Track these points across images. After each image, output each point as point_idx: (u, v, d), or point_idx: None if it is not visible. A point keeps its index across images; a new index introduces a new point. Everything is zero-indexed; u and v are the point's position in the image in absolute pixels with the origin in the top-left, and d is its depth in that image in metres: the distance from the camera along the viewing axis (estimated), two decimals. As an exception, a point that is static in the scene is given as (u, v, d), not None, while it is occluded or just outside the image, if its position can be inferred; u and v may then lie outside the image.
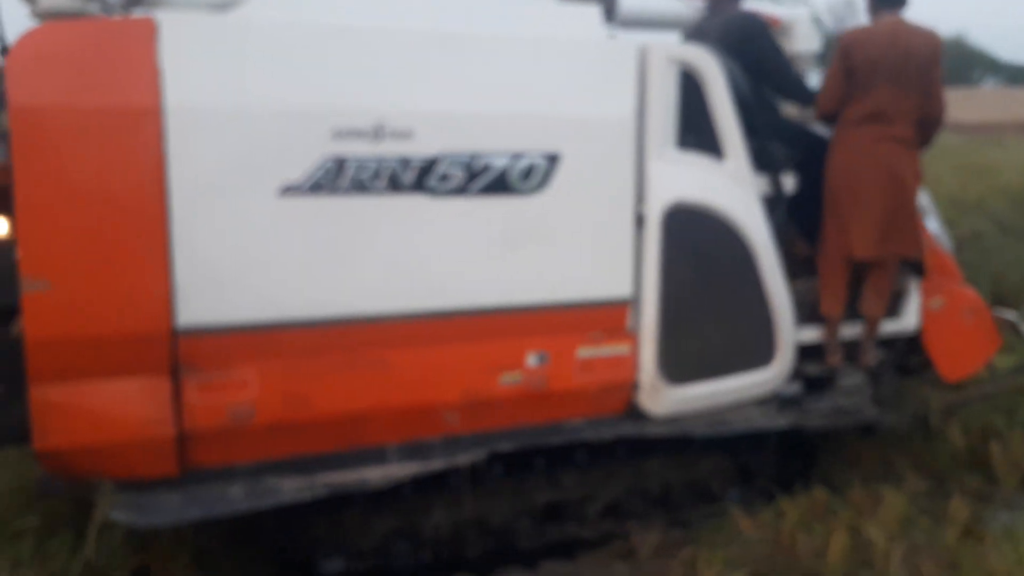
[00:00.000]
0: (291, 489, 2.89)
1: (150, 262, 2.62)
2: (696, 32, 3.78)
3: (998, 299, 6.27)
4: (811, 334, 3.72)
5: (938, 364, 4.01)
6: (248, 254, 2.73)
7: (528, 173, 3.03)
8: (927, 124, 3.61)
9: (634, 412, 3.44)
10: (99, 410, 2.65)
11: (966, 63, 48.08)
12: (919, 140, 3.62)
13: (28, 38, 2.48)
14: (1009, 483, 3.97)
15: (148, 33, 2.57)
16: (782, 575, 3.20)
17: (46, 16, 2.72)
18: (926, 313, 3.94)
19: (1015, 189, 9.95)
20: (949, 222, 7.30)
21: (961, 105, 31.88)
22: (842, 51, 3.61)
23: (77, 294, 2.55)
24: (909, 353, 4.06)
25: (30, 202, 2.49)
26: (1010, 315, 4.39)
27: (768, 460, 3.92)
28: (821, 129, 3.89)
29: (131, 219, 2.59)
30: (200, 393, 2.74)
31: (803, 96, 3.79)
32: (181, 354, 2.70)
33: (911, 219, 3.65)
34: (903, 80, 3.51)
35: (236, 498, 2.82)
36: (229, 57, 2.66)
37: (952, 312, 4.00)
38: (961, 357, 4.05)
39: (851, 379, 3.85)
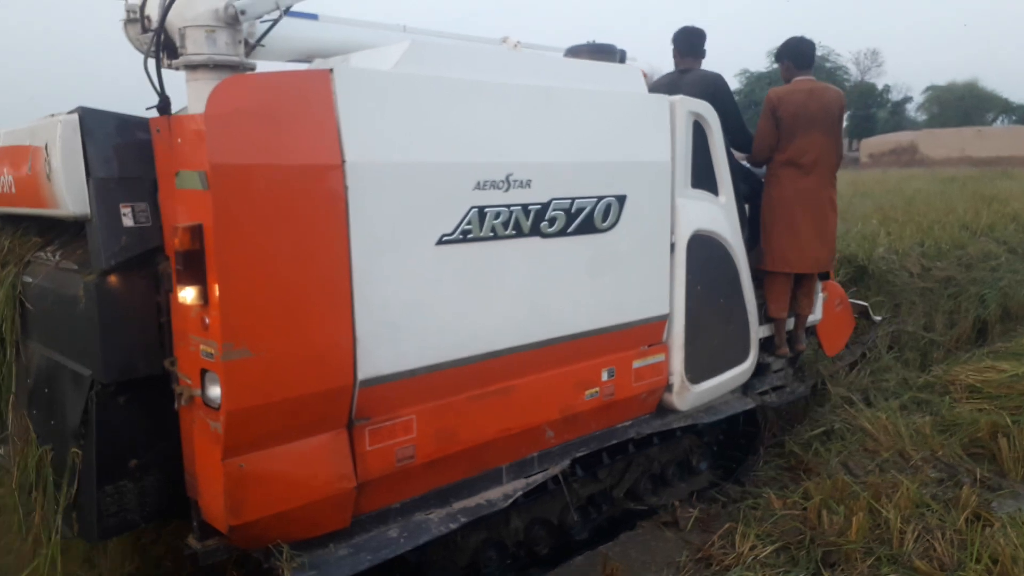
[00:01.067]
0: (438, 522, 3.03)
1: (338, 318, 2.59)
2: (670, 87, 4.42)
3: (1006, 313, 7.56)
4: (763, 331, 4.62)
5: (823, 343, 5.18)
6: (412, 303, 2.80)
7: (607, 213, 3.45)
8: (837, 160, 4.66)
9: (661, 410, 4.03)
10: (291, 474, 2.57)
11: (980, 105, 50.57)
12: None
13: (222, 92, 2.31)
14: (1016, 474, 4.39)
15: (327, 86, 2.53)
16: (808, 549, 3.59)
17: (193, 68, 2.51)
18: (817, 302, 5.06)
19: (1022, 216, 10.83)
20: (962, 245, 8.65)
21: (974, 142, 35.61)
22: (770, 107, 4.51)
23: (276, 358, 2.46)
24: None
25: (229, 266, 2.34)
26: (862, 303, 5.75)
27: (721, 436, 4.75)
28: (756, 170, 4.80)
29: (322, 276, 2.55)
30: (372, 442, 2.77)
31: (747, 143, 4.63)
32: (358, 406, 2.71)
33: (830, 241, 4.69)
34: (821, 127, 4.50)
35: (396, 540, 2.89)
36: (393, 111, 2.70)
37: (830, 302, 5.19)
38: (836, 336, 5.27)
39: (776, 364, 4.84)
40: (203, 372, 2.45)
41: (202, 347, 2.42)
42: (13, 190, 2.85)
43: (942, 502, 3.92)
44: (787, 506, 3.92)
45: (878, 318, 5.86)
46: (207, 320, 2.38)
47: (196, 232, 2.33)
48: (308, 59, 3.28)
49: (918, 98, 54.85)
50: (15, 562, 2.96)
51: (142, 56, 2.53)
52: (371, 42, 3.52)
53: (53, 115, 2.63)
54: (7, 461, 3.35)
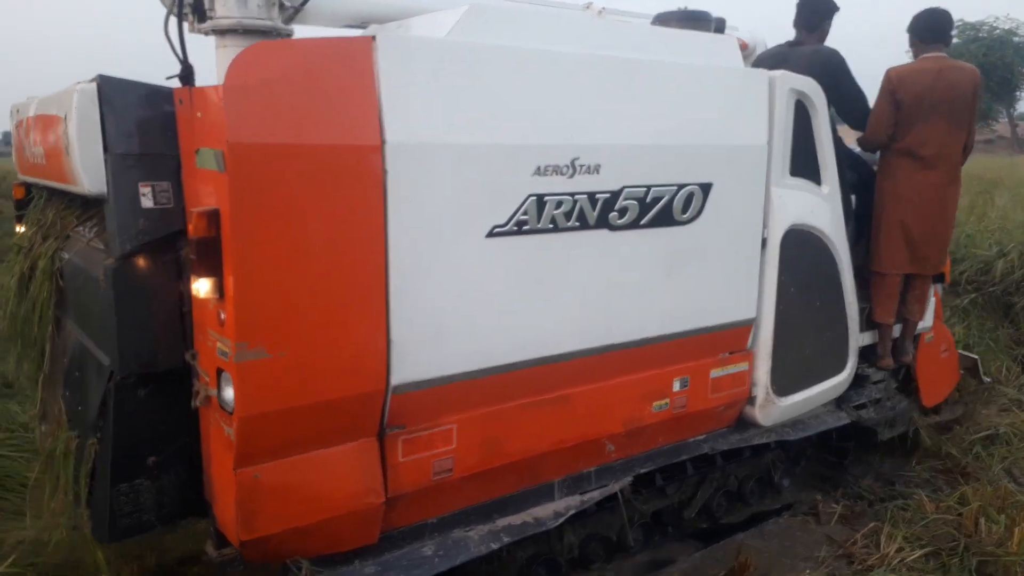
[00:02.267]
0: (478, 540, 2.74)
1: (370, 317, 2.31)
2: (776, 61, 3.91)
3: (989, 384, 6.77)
4: (864, 338, 4.09)
5: (921, 389, 4.51)
6: (457, 301, 2.50)
7: (689, 203, 3.03)
8: (965, 150, 4.03)
9: (742, 424, 3.61)
10: (312, 487, 2.33)
11: None
12: (961, 164, 4.04)
13: (243, 62, 2.04)
14: None
15: (368, 56, 2.22)
16: (962, 557, 3.40)
17: (222, 33, 2.25)
18: (921, 343, 4.44)
19: None
20: None
21: None
22: (889, 87, 3.92)
23: (297, 359, 2.20)
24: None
25: (247, 257, 2.09)
26: (972, 355, 5.07)
27: (807, 452, 4.28)
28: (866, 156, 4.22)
29: (353, 271, 2.27)
30: (405, 453, 2.50)
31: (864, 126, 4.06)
32: (390, 413, 2.44)
33: (946, 241, 4.09)
34: (947, 114, 3.88)
35: (430, 558, 2.62)
36: (444, 85, 2.37)
37: (935, 346, 4.55)
38: (936, 385, 4.62)
39: (877, 375, 4.30)
40: (219, 371, 2.23)
41: (218, 344, 2.20)
42: (43, 161, 2.70)
43: None
44: (940, 510, 3.73)
45: (987, 379, 5.14)
46: (223, 315, 2.14)
47: (213, 218, 2.09)
48: (362, 25, 2.98)
49: None
50: (32, 549, 2.87)
51: (166, 16, 2.28)
52: (432, 6, 3.19)
53: (79, 83, 2.44)
54: (44, 440, 3.28)
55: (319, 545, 2.42)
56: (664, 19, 3.62)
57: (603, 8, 4.03)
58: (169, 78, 2.28)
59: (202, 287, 2.12)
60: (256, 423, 2.18)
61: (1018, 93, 37.62)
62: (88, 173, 2.25)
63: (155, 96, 2.31)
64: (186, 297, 2.40)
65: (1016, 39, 35.85)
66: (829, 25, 4.11)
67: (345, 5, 2.89)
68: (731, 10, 3.73)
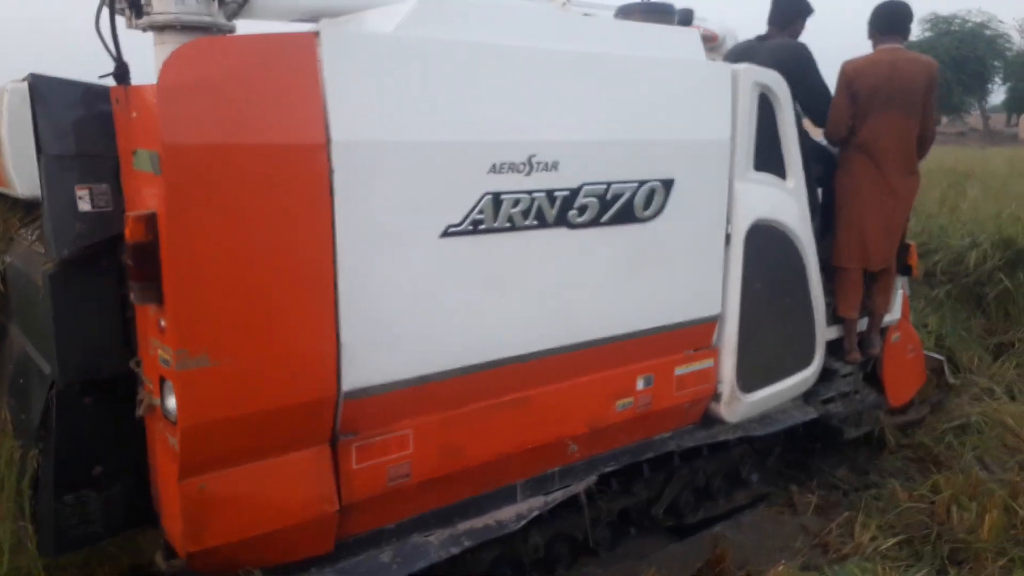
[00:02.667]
0: (438, 545, 2.70)
1: (318, 321, 2.26)
2: (745, 55, 3.88)
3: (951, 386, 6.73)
4: (831, 332, 4.08)
5: (888, 389, 4.52)
6: (410, 303, 2.45)
7: (650, 199, 2.99)
8: (924, 141, 4.03)
9: (708, 420, 3.59)
10: (262, 496, 2.28)
11: None
12: (920, 156, 4.04)
13: (178, 60, 1.97)
14: None
15: (312, 52, 2.16)
16: (934, 544, 3.45)
17: (159, 29, 2.18)
18: (888, 343, 4.44)
19: None
20: None
21: None
22: (845, 80, 3.90)
23: (241, 366, 2.14)
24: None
25: (185, 262, 2.02)
26: (938, 356, 5.09)
27: (775, 448, 4.27)
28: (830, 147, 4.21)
29: (299, 274, 2.21)
30: (360, 459, 2.45)
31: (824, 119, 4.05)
32: (343, 420, 2.38)
33: (898, 236, 4.09)
34: (902, 106, 3.87)
35: (388, 565, 2.58)
36: (392, 82, 2.31)
37: (903, 346, 4.56)
38: (903, 385, 4.64)
39: (844, 368, 4.30)
40: (161, 380, 2.17)
41: (160, 352, 2.13)
42: (-20, 163, 2.60)
43: None
44: (913, 499, 3.79)
45: (953, 380, 5.16)
46: (162, 322, 2.08)
47: (150, 222, 2.02)
48: (313, 19, 2.90)
49: None
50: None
51: (97, 9, 2.20)
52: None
53: (9, 82, 2.35)
54: None
55: (272, 555, 2.37)
56: (627, 11, 3.58)
57: (567, 0, 3.98)
58: (102, 76, 2.20)
59: (141, 294, 2.05)
60: (200, 433, 2.11)
61: (989, 86, 38.05)
62: (21, 176, 2.17)
63: (91, 95, 2.23)
64: (129, 303, 2.32)
65: (988, 32, 36.27)
66: (802, 26, 4.09)
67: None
68: (710, 3, 3.67)
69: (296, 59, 2.15)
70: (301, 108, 2.16)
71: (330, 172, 2.21)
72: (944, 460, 4.31)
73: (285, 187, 2.15)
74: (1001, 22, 36.82)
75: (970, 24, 36.35)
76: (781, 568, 3.13)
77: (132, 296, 2.08)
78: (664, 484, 3.70)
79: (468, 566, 3.00)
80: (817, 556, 3.51)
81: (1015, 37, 40.99)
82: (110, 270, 2.30)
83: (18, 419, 2.73)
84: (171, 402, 2.13)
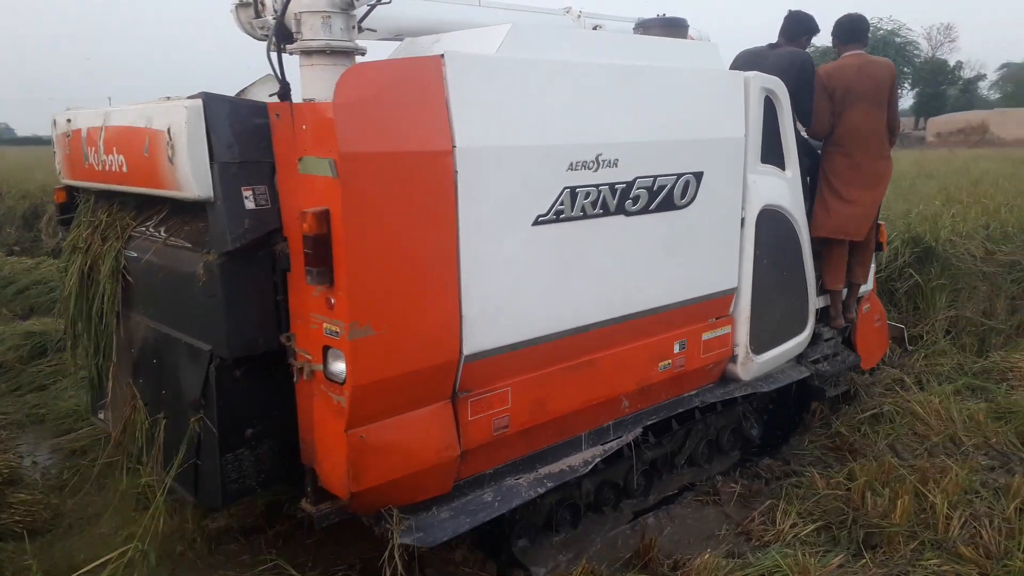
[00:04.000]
0: (526, 487, 3.23)
1: (447, 297, 2.75)
2: (756, 60, 4.49)
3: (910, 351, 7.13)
4: (818, 302, 4.76)
5: (860, 353, 5.19)
6: (510, 281, 2.95)
7: (685, 189, 3.57)
8: (891, 131, 4.75)
9: (724, 380, 4.21)
10: (405, 444, 2.76)
11: None
12: (889, 145, 4.75)
13: (347, 82, 2.43)
14: None
15: (439, 72, 2.64)
16: (850, 529, 3.65)
17: (308, 53, 2.61)
18: (859, 314, 5.15)
19: None
20: None
21: None
22: (821, 84, 4.58)
23: (394, 335, 2.62)
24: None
25: (356, 250, 2.49)
26: (899, 326, 5.84)
27: (772, 406, 4.93)
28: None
29: (434, 258, 2.70)
30: (473, 413, 2.95)
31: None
32: (461, 379, 2.88)
33: (874, 210, 4.81)
34: (871, 101, 4.58)
35: (491, 503, 3.09)
36: (497, 95, 2.81)
37: (870, 316, 5.29)
38: (872, 350, 5.37)
39: (828, 333, 5.00)
40: (326, 348, 2.62)
41: (326, 325, 2.58)
42: (124, 169, 2.98)
43: (992, 490, 3.94)
44: (830, 486, 4.01)
45: (911, 348, 5.92)
46: (332, 300, 2.53)
47: (323, 217, 2.47)
48: (397, 37, 3.36)
49: (992, 76, 53.30)
50: (120, 521, 3.19)
51: (253, 40, 2.62)
52: (451, 18, 3.60)
53: (169, 98, 2.75)
54: (108, 426, 3.56)
55: (407, 495, 2.86)
56: (646, 25, 4.15)
57: (580, 12, 4.52)
58: (271, 96, 2.63)
59: (315, 276, 2.50)
60: (364, 391, 2.58)
61: (899, 91, 40.60)
62: (197, 180, 2.57)
63: (250, 110, 2.66)
64: (279, 287, 2.76)
65: (898, 39, 38.56)
66: (808, 42, 4.78)
67: (384, 21, 3.27)
68: (685, 9, 4.26)
69: (429, 78, 2.63)
70: (433, 120, 2.64)
71: (455, 173, 2.69)
72: (859, 448, 4.56)
73: (423, 187, 2.63)
74: (910, 30, 39.12)
75: (882, 31, 38.43)
76: (707, 556, 3.30)
77: (307, 279, 2.52)
78: (685, 437, 4.30)
79: (538, 508, 3.55)
80: (741, 544, 3.69)
81: (923, 45, 43.76)
82: (265, 260, 2.73)
83: (155, 395, 3.12)
84: (337, 366, 2.59)
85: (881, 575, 3.32)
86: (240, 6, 2.84)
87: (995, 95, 52.37)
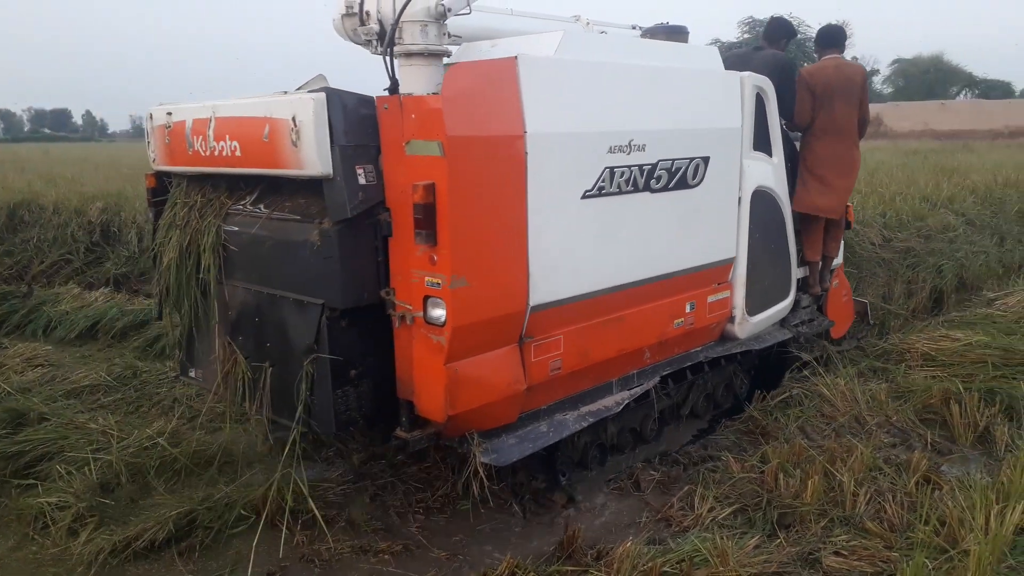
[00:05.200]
0: (572, 421, 3.89)
1: (519, 257, 3.39)
2: (743, 60, 5.22)
3: (961, 283, 8.05)
4: (799, 273, 5.53)
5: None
6: (563, 246, 3.60)
7: (696, 171, 4.27)
8: (862, 124, 5.55)
9: (723, 339, 4.93)
10: (484, 378, 3.38)
11: (945, 79, 52.21)
12: (859, 136, 5.55)
13: (451, 78, 3.06)
14: (965, 439, 4.69)
15: (513, 71, 3.28)
16: (765, 511, 3.79)
17: (408, 55, 3.22)
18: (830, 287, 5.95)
19: (981, 188, 11.27)
20: (922, 217, 9.06)
21: (937, 115, 35.69)
22: (803, 82, 5.36)
23: (482, 287, 3.25)
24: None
25: (457, 216, 3.11)
26: (863, 300, 6.67)
27: (752, 365, 5.67)
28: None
29: (511, 223, 3.34)
30: (535, 355, 3.59)
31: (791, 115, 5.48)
32: (527, 327, 3.52)
33: (846, 192, 5.60)
34: (845, 97, 5.37)
35: (546, 433, 3.75)
36: (555, 90, 3.46)
37: (839, 290, 6.11)
38: (841, 323, 6.18)
39: (805, 300, 5.78)
40: (426, 298, 3.23)
41: (427, 279, 3.20)
42: (238, 153, 3.53)
43: (894, 466, 4.18)
44: (745, 469, 4.17)
45: (872, 321, 6.74)
46: (435, 257, 3.15)
47: (431, 189, 3.08)
48: (456, 39, 3.97)
49: (884, 71, 56.08)
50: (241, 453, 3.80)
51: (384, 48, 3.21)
52: (493, 26, 4.23)
53: (287, 92, 3.32)
54: (199, 382, 4.10)
55: (485, 422, 3.49)
56: (652, 32, 4.86)
57: (589, 21, 5.20)
58: (385, 89, 3.23)
59: (423, 238, 3.11)
60: (460, 332, 3.21)
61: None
62: (320, 160, 3.15)
63: (360, 102, 3.25)
64: (380, 250, 3.35)
65: (799, 36, 40.37)
66: (786, 44, 5.55)
67: (459, 29, 3.87)
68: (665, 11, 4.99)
69: (506, 76, 3.26)
70: (510, 110, 3.27)
71: (525, 155, 3.33)
72: (771, 431, 4.74)
73: (503, 165, 3.26)
74: (809, 26, 41.02)
75: None
76: (628, 544, 3.37)
77: (416, 239, 3.12)
78: (688, 390, 5.01)
79: (574, 448, 4.20)
80: (661, 530, 3.78)
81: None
82: (370, 227, 3.32)
83: (257, 347, 3.68)
84: (436, 312, 3.20)
85: (794, 553, 3.46)
86: (346, 16, 3.42)
87: (888, 89, 55.48)
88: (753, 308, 4.94)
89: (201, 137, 3.71)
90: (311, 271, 3.39)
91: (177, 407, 5.14)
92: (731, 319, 4.85)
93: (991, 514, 3.47)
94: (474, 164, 3.14)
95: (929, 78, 51.58)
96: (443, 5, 3.23)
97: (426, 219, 3.10)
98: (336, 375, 3.38)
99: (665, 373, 4.51)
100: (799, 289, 5.59)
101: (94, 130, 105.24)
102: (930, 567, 3.19)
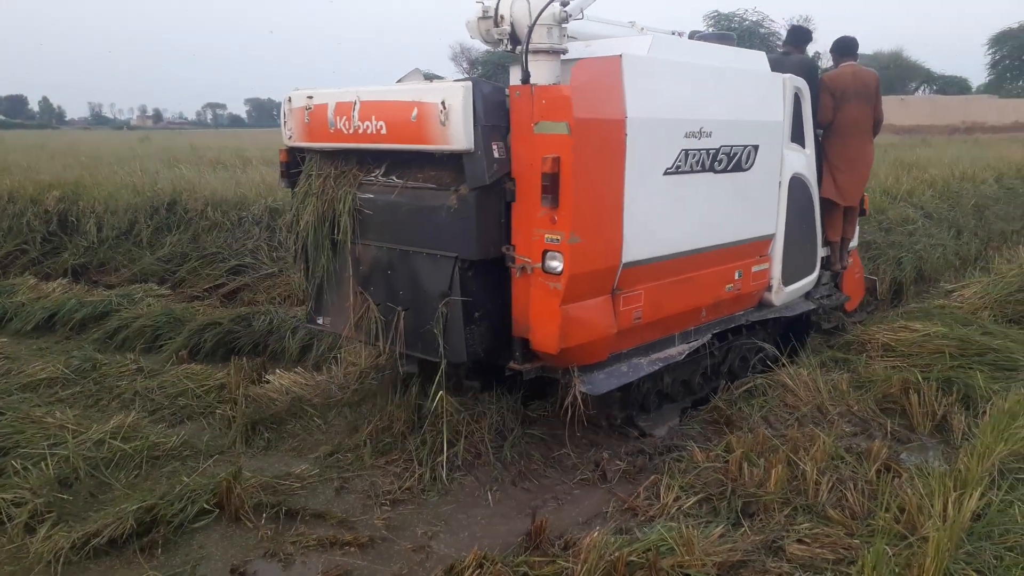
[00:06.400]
0: (646, 364, 4.66)
1: (617, 220, 4.16)
2: (775, 65, 6.01)
3: (920, 275, 8.53)
4: (822, 252, 6.35)
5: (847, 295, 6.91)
6: (647, 214, 4.37)
7: (749, 157, 5.06)
8: (877, 123, 6.39)
9: (760, 306, 5.73)
10: (587, 320, 4.14)
11: (904, 74, 54.99)
12: (874, 133, 6.39)
13: (577, 71, 3.82)
14: (924, 428, 4.86)
15: (618, 67, 4.04)
16: (729, 500, 3.87)
17: (535, 53, 3.97)
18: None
19: (939, 183, 11.83)
20: (882, 210, 9.59)
21: (896, 110, 36.58)
22: (825, 87, 6.19)
23: (589, 243, 4.01)
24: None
25: (576, 184, 3.87)
26: (872, 278, 7.50)
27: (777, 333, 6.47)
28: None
29: (612, 193, 4.10)
30: (623, 305, 4.36)
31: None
32: (618, 280, 4.28)
33: (862, 183, 6.44)
34: (862, 99, 6.21)
35: (626, 373, 4.52)
36: (647, 82, 4.24)
37: (853, 268, 6.96)
38: (854, 296, 7.03)
39: (825, 277, 6.61)
40: (545, 252, 3.98)
41: (547, 236, 3.95)
42: (383, 131, 4.26)
43: (855, 454, 4.30)
44: (710, 459, 4.28)
45: (880, 299, 7.56)
46: (556, 218, 3.90)
47: (556, 161, 3.83)
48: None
49: None
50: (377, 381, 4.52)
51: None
52: (581, 30, 4.99)
53: (431, 80, 4.06)
54: (327, 326, 4.83)
55: (581, 358, 4.24)
56: (702, 37, 5.64)
57: (643, 27, 5.98)
58: (518, 82, 3.98)
59: (548, 201, 3.86)
60: (574, 279, 3.96)
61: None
62: (466, 137, 3.89)
63: (495, 90, 3.99)
64: (504, 213, 4.09)
65: (762, 30, 41.71)
66: (805, 48, 6.35)
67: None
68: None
69: (613, 71, 4.02)
70: (615, 97, 4.03)
71: (625, 135, 4.09)
72: (736, 421, 4.87)
73: (610, 143, 4.02)
74: (773, 21, 42.21)
75: (748, 22, 41.52)
76: (596, 535, 3.42)
77: (542, 202, 3.87)
78: (727, 351, 5.80)
79: (639, 392, 4.97)
80: (628, 520, 3.84)
81: (784, 36, 47.34)
82: (496, 193, 4.06)
83: (389, 295, 4.41)
84: (554, 264, 3.96)
85: (758, 542, 3.55)
86: (481, 19, 4.17)
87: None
88: (787, 279, 5.74)
89: (344, 117, 4.43)
90: (446, 230, 4.13)
91: (138, 400, 5.27)
92: (769, 288, 5.65)
93: (949, 501, 3.54)
94: (590, 141, 3.90)
95: (889, 74, 53.25)
96: (565, 12, 3.98)
97: (551, 186, 3.85)
98: (466, 315, 4.12)
99: (716, 332, 5.29)
100: (822, 267, 6.41)
101: (51, 117, 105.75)
102: (890, 554, 3.23)
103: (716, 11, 40.84)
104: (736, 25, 40.86)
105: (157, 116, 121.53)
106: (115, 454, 4.33)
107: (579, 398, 4.20)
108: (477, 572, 3.28)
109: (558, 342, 4.03)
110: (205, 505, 3.85)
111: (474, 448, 4.44)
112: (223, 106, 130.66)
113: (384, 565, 3.58)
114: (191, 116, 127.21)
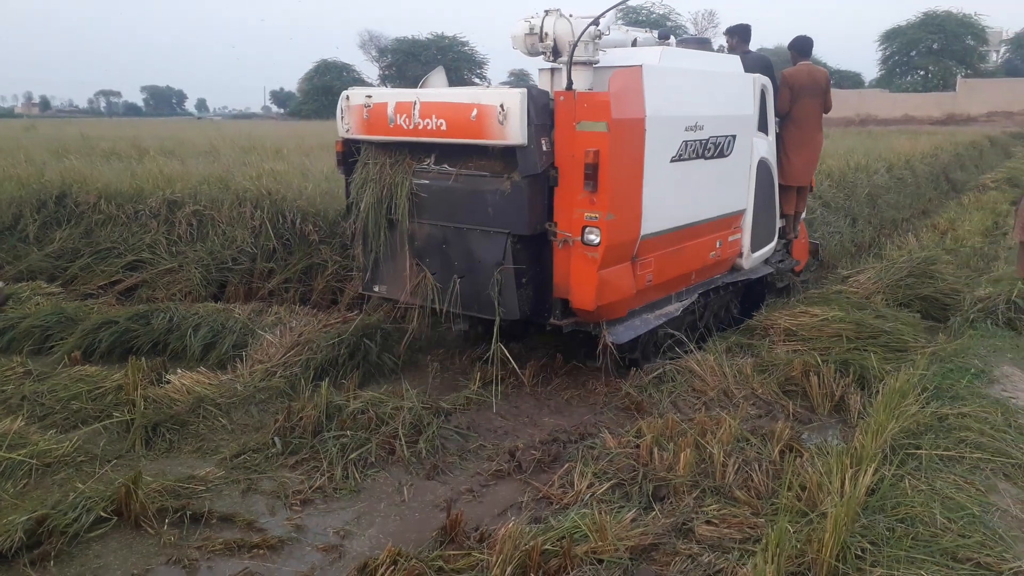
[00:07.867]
0: (653, 319, 5.73)
1: (638, 201, 5.16)
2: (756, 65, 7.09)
3: (820, 262, 9.23)
4: (779, 223, 7.54)
5: (796, 259, 8.16)
6: (658, 195, 5.38)
7: (728, 145, 6.14)
8: (825, 111, 7.59)
9: (732, 270, 6.86)
10: (615, 283, 5.14)
11: None
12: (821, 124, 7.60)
13: (614, 80, 4.79)
14: (823, 409, 5.11)
15: (639, 75, 5.02)
16: (641, 484, 3.95)
17: (574, 64, 4.89)
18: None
19: (836, 173, 12.33)
20: None
21: None
22: (785, 82, 7.34)
23: (620, 219, 5.00)
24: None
25: (612, 172, 4.84)
26: (815, 242, 8.80)
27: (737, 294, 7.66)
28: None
29: (635, 178, 5.09)
30: (639, 270, 5.38)
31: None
32: (637, 250, 5.29)
33: (811, 165, 7.65)
34: (814, 94, 7.40)
35: (639, 326, 5.57)
36: (660, 87, 5.23)
37: (801, 236, 8.20)
38: (802, 259, 8.30)
39: (779, 244, 7.82)
40: (584, 228, 4.94)
41: (586, 214, 4.91)
42: (444, 128, 5.10)
43: (760, 436, 4.42)
44: (622, 445, 4.35)
45: (821, 258, 8.90)
46: (595, 200, 4.86)
47: (596, 154, 4.78)
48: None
49: None
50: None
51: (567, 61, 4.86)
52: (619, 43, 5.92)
53: (490, 85, 4.91)
54: (382, 293, 5.68)
55: (611, 313, 5.25)
56: (685, 42, 6.67)
57: (636, 38, 6.96)
58: (568, 88, 4.88)
59: (589, 186, 4.81)
60: (609, 249, 4.95)
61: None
62: (521, 133, 4.78)
63: (543, 95, 4.89)
64: (548, 196, 5.02)
65: (668, 23, 44.22)
66: (748, 43, 7.46)
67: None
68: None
69: (636, 78, 4.99)
70: (638, 100, 5.01)
71: (645, 131, 5.08)
72: (646, 407, 5.08)
73: (635, 138, 5.00)
74: (679, 15, 44.42)
75: (655, 15, 43.69)
76: (511, 525, 3.42)
77: (585, 187, 4.81)
78: (705, 308, 6.93)
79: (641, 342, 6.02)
80: (543, 509, 3.90)
81: (690, 29, 50.08)
82: (542, 180, 4.97)
83: (444, 266, 5.29)
84: (591, 237, 4.92)
85: (669, 524, 3.63)
86: (527, 35, 5.04)
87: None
88: (754, 247, 6.90)
89: (405, 115, 5.25)
90: (500, 210, 5.03)
91: (26, 404, 4.95)
92: (740, 254, 6.79)
93: (846, 478, 3.68)
94: (622, 137, 4.87)
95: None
96: (598, 29, 4.91)
97: (593, 174, 4.81)
98: (517, 280, 5.05)
99: (701, 291, 6.39)
100: (779, 237, 7.61)
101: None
102: (791, 531, 3.33)
103: (624, 1, 42.59)
104: (643, 19, 42.67)
105: (45, 104, 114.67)
106: (1, 463, 4.11)
107: (609, 345, 5.19)
108: (391, 569, 3.26)
109: (595, 300, 5.02)
110: (102, 513, 3.69)
111: (387, 444, 4.50)
112: (117, 93, 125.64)
113: (295, 567, 3.51)
114: (82, 104, 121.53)
